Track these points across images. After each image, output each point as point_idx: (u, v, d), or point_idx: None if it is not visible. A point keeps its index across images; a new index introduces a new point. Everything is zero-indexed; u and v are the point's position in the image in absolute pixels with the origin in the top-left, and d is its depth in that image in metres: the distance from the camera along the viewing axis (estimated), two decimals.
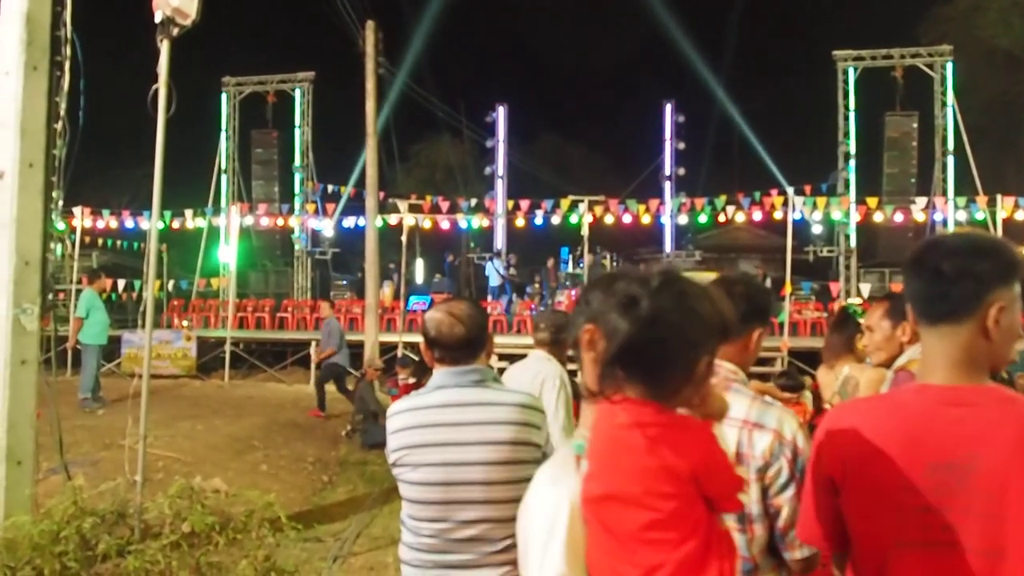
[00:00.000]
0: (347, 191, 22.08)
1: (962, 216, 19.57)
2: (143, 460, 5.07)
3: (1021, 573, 1.44)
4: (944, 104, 20.40)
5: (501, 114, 24.68)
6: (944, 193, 20.20)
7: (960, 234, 1.63)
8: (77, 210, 18.43)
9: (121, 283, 18.85)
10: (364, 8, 14.96)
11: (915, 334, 2.99)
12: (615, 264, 21.50)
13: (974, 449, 1.47)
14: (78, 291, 16.61)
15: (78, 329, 11.63)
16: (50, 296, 4.93)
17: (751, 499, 1.95)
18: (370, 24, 14.74)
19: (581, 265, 18.05)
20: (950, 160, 20.29)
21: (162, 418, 10.11)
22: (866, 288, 18.67)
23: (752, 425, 2.00)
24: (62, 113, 4.95)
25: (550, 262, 21.07)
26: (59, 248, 15.07)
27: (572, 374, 4.27)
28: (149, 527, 4.54)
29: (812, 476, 1.70)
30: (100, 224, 21.63)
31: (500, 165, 24.49)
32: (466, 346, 2.56)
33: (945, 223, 20.09)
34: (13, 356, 4.60)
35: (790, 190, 16.25)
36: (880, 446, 1.53)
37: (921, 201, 19.69)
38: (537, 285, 20.70)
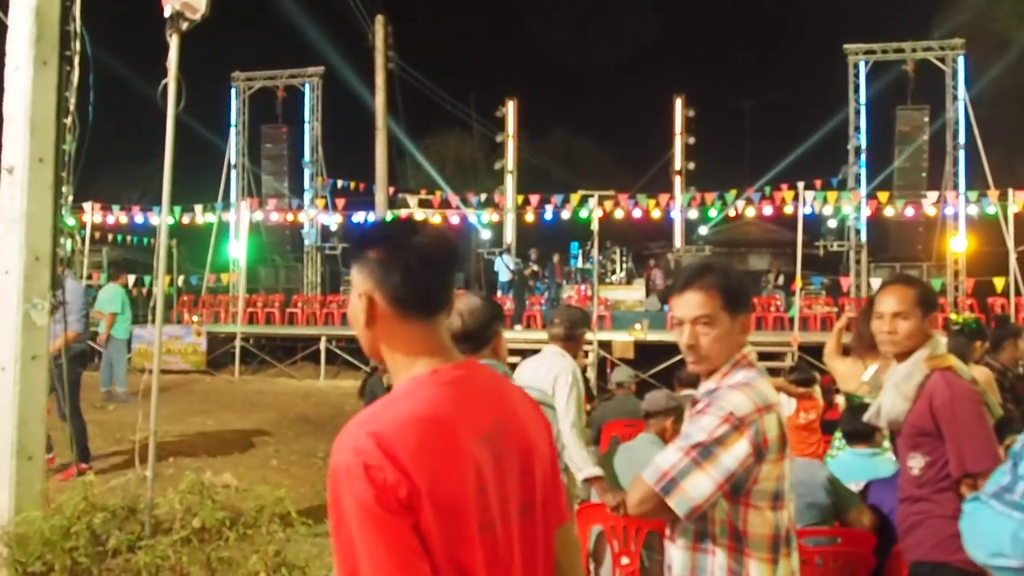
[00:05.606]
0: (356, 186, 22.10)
1: (973, 210, 19.48)
2: (153, 455, 5.07)
3: (541, 518, 1.55)
4: (956, 98, 20.26)
5: (511, 109, 24.58)
6: (955, 187, 20.07)
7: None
8: (87, 205, 18.52)
9: (131, 278, 18.92)
10: (374, 3, 14.96)
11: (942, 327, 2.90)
12: (624, 259, 21.44)
13: (495, 416, 1.52)
14: (88, 286, 16.71)
15: (112, 323, 11.64)
16: (60, 291, 4.91)
17: None
18: (379, 19, 14.74)
19: (591, 260, 18.01)
20: (961, 154, 20.16)
21: (172, 413, 10.15)
22: (876, 283, 18.57)
23: None
24: (72, 108, 4.93)
25: (556, 257, 21.04)
26: (69, 243, 15.10)
27: (584, 370, 4.22)
28: (160, 522, 4.54)
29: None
30: (110, 219, 21.74)
31: (510, 160, 24.40)
32: (463, 340, 2.57)
33: (956, 217, 19.99)
34: (23, 351, 4.60)
35: (800, 184, 16.14)
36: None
37: (932, 195, 19.59)
38: (545, 280, 20.66)
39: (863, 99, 20.85)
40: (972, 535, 1.33)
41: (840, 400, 5.53)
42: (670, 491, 2.01)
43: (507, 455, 1.51)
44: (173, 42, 4.95)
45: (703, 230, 26.44)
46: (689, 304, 2.17)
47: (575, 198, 20.31)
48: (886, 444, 4.14)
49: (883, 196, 19.66)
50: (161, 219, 5.40)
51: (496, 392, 1.59)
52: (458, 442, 1.42)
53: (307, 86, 23.30)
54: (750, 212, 20.94)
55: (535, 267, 20.00)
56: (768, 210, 20.46)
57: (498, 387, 1.61)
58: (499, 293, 19.97)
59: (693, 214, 22.75)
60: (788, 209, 19.23)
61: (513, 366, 3.80)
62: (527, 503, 1.53)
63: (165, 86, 4.95)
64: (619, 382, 7.59)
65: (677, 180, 23.70)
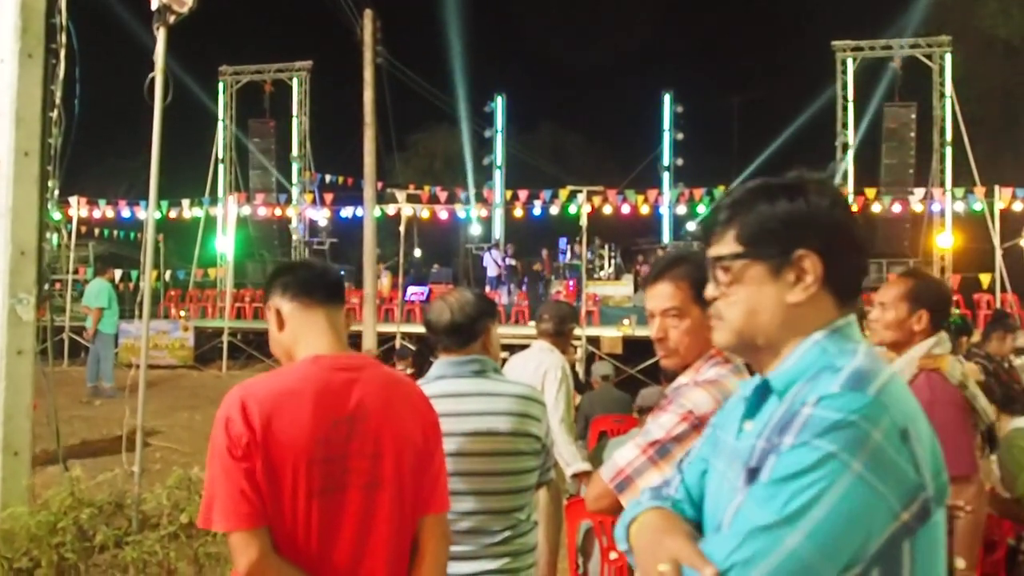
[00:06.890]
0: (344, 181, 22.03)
1: (960, 207, 19.58)
2: (141, 451, 5.04)
3: (392, 498, 1.85)
4: (942, 95, 20.36)
5: (500, 104, 24.62)
6: (942, 184, 20.18)
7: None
8: (73, 199, 18.39)
9: (118, 273, 18.76)
10: None
11: (934, 325, 2.88)
12: (613, 255, 21.47)
13: (361, 402, 1.84)
14: (75, 281, 16.62)
15: (99, 318, 11.59)
16: (46, 286, 4.88)
17: None
18: (368, 13, 14.66)
19: (579, 256, 18.04)
20: (948, 151, 20.27)
21: (160, 408, 10.11)
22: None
23: None
24: (58, 101, 4.90)
25: (544, 252, 21.04)
26: (55, 238, 14.98)
27: (573, 365, 4.22)
28: (147, 518, 4.52)
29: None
30: (97, 214, 21.57)
31: (499, 155, 24.46)
32: (454, 333, 2.56)
33: (943, 213, 20.09)
34: (9, 346, 4.57)
35: None
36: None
37: (919, 192, 19.67)
38: (535, 274, 20.67)
39: (850, 96, 20.94)
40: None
41: None
42: (624, 489, 1.95)
43: (362, 436, 1.81)
44: (160, 36, 4.92)
45: (691, 226, 26.51)
46: (659, 296, 2.12)
47: (564, 193, 20.32)
48: None
49: (870, 192, 19.73)
50: (148, 213, 5.38)
51: (375, 384, 1.88)
52: (311, 415, 1.76)
53: (295, 80, 23.22)
54: None
55: (513, 262, 20.02)
56: None
57: (382, 382, 1.92)
58: (488, 288, 19.96)
59: (681, 210, 22.85)
60: None
61: (501, 361, 3.80)
62: (375, 481, 1.82)
63: (152, 80, 4.92)
64: (604, 375, 7.70)
65: (665, 176, 23.81)
